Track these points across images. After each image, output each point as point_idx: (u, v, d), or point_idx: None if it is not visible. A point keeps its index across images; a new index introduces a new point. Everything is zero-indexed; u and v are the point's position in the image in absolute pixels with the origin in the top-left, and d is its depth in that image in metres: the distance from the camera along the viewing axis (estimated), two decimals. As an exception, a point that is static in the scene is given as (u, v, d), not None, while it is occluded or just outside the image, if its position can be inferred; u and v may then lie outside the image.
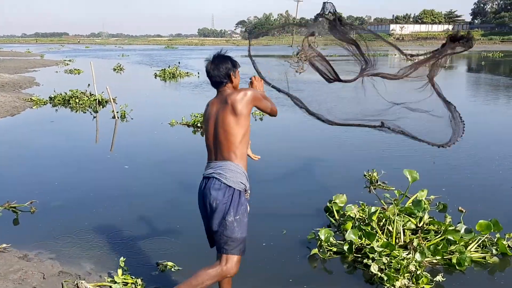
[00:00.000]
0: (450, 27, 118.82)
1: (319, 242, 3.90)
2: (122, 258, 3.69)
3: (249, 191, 2.87)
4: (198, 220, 2.96)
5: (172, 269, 3.72)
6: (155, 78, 22.45)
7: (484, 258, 3.69)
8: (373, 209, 3.96)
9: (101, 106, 13.32)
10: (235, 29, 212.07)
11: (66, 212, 5.10)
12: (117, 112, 11.18)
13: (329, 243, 3.84)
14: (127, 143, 8.79)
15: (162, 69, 24.30)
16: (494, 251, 3.73)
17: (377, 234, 3.68)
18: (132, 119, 11.00)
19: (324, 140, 8.57)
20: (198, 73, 23.58)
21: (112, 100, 11.75)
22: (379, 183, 5.70)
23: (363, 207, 4.37)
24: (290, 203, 5.29)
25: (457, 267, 3.51)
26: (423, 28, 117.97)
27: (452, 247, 3.66)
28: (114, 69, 27.43)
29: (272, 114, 3.05)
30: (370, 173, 5.90)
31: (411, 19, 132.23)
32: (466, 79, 23.21)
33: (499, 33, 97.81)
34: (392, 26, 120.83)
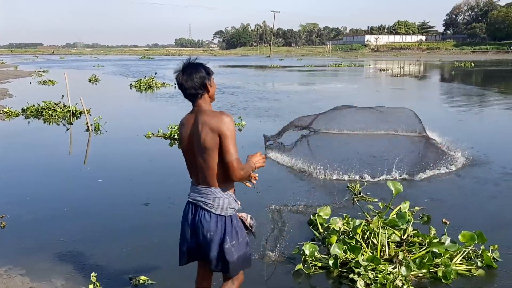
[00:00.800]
0: (424, 37, 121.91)
1: (303, 257, 3.77)
2: (94, 273, 3.53)
3: (239, 203, 2.71)
4: (172, 235, 2.83)
5: (146, 284, 3.62)
6: (131, 89, 22.11)
7: (469, 270, 3.62)
8: (357, 222, 3.85)
9: (75, 118, 12.98)
10: (212, 39, 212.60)
11: (37, 227, 4.91)
12: (91, 125, 10.88)
13: (313, 258, 3.71)
14: (101, 156, 8.52)
15: (138, 80, 24.00)
16: (479, 263, 3.66)
17: (362, 248, 3.56)
18: (106, 131, 10.70)
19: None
20: (175, 83, 23.24)
21: (86, 111, 11.44)
22: (362, 195, 5.60)
23: (346, 219, 4.26)
24: (272, 216, 5.11)
25: (443, 280, 3.42)
26: (397, 38, 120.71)
27: (437, 260, 3.57)
28: (89, 80, 26.96)
29: (232, 169, 2.49)
30: (353, 185, 5.83)
31: (385, 30, 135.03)
32: (440, 88, 23.63)
33: (470, 43, 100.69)
34: (367, 37, 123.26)
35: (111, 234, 4.70)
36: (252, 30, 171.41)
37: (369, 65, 50.24)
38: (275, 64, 52.91)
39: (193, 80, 2.57)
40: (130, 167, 7.58)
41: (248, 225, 2.78)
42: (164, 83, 23.51)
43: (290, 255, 4.02)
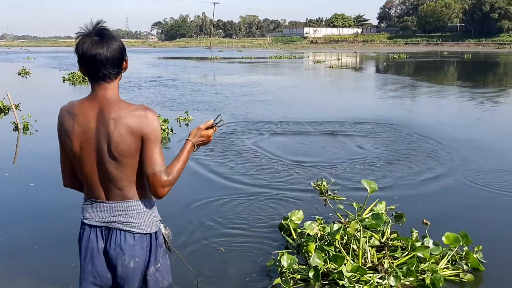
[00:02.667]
0: (359, 30, 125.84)
1: (279, 269, 3.32)
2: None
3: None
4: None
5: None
6: (64, 82, 20.54)
7: (457, 275, 3.34)
8: (335, 226, 3.46)
9: (3, 114, 11.69)
10: (151, 31, 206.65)
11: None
12: (20, 123, 9.77)
13: (291, 270, 3.26)
14: (32, 158, 7.57)
15: (71, 73, 22.41)
16: (465, 267, 3.40)
17: (345, 257, 3.16)
18: (37, 131, 9.63)
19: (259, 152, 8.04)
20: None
21: (14, 107, 10.27)
22: (329, 193, 5.20)
23: (319, 221, 3.89)
24: (237, 222, 4.54)
25: (431, 288, 3.12)
26: (334, 31, 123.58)
27: (423, 265, 3.27)
28: (19, 73, 24.89)
29: (156, 185, 1.86)
30: (319, 183, 5.41)
31: (323, 23, 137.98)
32: (378, 79, 24.15)
33: (403, 36, 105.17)
34: (306, 29, 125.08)
35: (47, 242, 4.11)
36: (191, 21, 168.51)
37: (308, 56, 50.79)
38: (215, 55, 52.04)
39: (113, 51, 1.84)
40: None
41: (164, 236, 2.15)
42: (101, 76, 22.12)
43: (264, 267, 3.55)
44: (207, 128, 2.08)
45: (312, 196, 5.23)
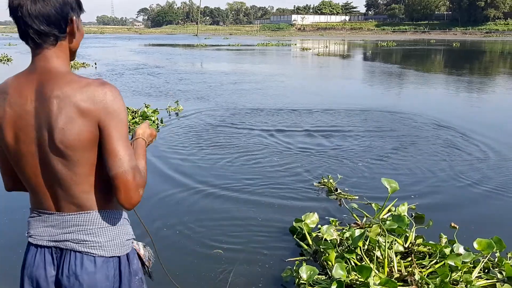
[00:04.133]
0: (347, 18, 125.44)
1: (297, 280, 2.91)
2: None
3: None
4: None
5: None
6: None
7: (493, 285, 2.97)
8: (357, 232, 3.04)
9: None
10: (137, 17, 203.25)
11: None
12: None
13: (311, 282, 2.85)
14: None
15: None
16: (499, 275, 3.03)
17: (372, 268, 2.75)
18: None
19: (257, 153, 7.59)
20: (95, 63, 21.52)
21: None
22: (339, 191, 4.69)
23: (334, 223, 3.49)
24: (245, 225, 4.03)
25: (467, 302, 2.74)
26: (322, 18, 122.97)
27: (455, 275, 2.88)
28: (0, 60, 23.93)
29: (125, 189, 1.32)
30: (325, 180, 4.93)
31: (311, 10, 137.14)
32: (374, 68, 23.79)
33: (390, 23, 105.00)
34: (294, 17, 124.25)
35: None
36: (178, 8, 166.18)
37: (295, 44, 50.20)
38: (202, 43, 51.13)
39: (49, 3, 1.29)
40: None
41: (143, 259, 1.67)
42: (84, 63, 21.32)
43: (278, 277, 3.13)
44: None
45: (319, 194, 4.76)
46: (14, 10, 1.31)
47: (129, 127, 6.51)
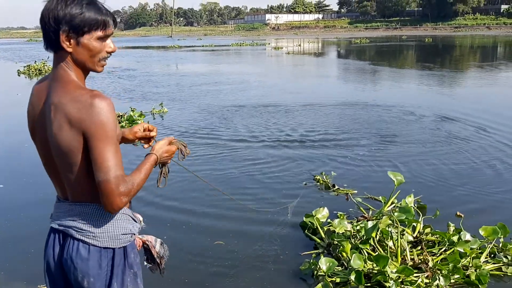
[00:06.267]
0: (320, 16, 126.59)
1: (315, 272, 2.95)
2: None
3: (140, 220, 1.70)
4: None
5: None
6: (19, 76, 19.12)
7: (499, 269, 3.06)
8: (369, 223, 3.09)
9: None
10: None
11: None
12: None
13: (330, 273, 2.88)
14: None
15: (27, 65, 21.03)
16: (504, 259, 3.12)
17: (388, 257, 2.80)
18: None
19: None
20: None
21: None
22: (336, 187, 4.73)
23: (342, 217, 3.53)
24: (255, 219, 4.07)
25: (479, 285, 2.81)
26: (296, 17, 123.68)
27: (464, 261, 2.96)
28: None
29: (107, 195, 1.41)
30: (319, 177, 4.97)
31: (284, 9, 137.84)
32: (353, 66, 24.11)
33: (363, 21, 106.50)
34: (267, 16, 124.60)
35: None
36: (151, 9, 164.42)
37: (269, 43, 50.37)
38: (175, 44, 50.73)
39: (47, 16, 1.44)
40: (37, 171, 6.07)
41: (156, 256, 1.76)
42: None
43: (296, 271, 3.16)
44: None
45: (319, 190, 4.79)
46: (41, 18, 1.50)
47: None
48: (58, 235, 1.58)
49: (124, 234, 1.56)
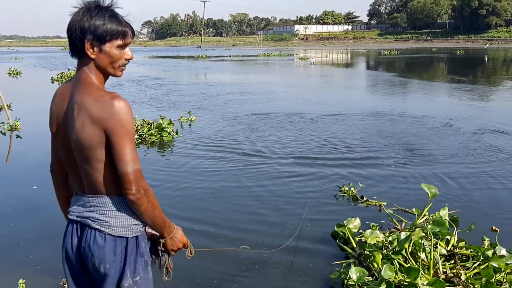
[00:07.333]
0: (350, 27, 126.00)
1: (345, 281, 2.92)
2: (22, 280, 3.11)
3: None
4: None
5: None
6: (52, 83, 19.66)
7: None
8: (403, 234, 3.03)
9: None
10: (141, 30, 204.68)
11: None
12: (13, 123, 9.21)
13: (360, 283, 2.84)
14: (29, 159, 7.05)
15: (60, 73, 21.72)
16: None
17: (419, 270, 2.74)
18: (30, 132, 9.07)
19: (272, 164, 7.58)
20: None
21: (6, 107, 9.72)
22: (365, 198, 4.67)
23: (374, 228, 3.49)
24: (284, 227, 4.07)
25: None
26: (325, 28, 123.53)
27: (498, 276, 2.86)
28: (10, 74, 24.16)
29: (128, 185, 1.59)
30: (346, 188, 4.93)
31: (313, 20, 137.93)
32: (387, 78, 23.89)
33: (393, 32, 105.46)
34: (296, 27, 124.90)
35: (46, 239, 3.58)
36: (182, 20, 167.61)
37: (297, 54, 50.43)
38: (204, 54, 51.39)
39: (74, 26, 1.64)
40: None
41: (160, 250, 1.83)
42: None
43: (326, 279, 3.14)
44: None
45: (346, 202, 4.72)
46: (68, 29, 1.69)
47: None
48: (76, 226, 1.73)
49: (136, 224, 1.70)
